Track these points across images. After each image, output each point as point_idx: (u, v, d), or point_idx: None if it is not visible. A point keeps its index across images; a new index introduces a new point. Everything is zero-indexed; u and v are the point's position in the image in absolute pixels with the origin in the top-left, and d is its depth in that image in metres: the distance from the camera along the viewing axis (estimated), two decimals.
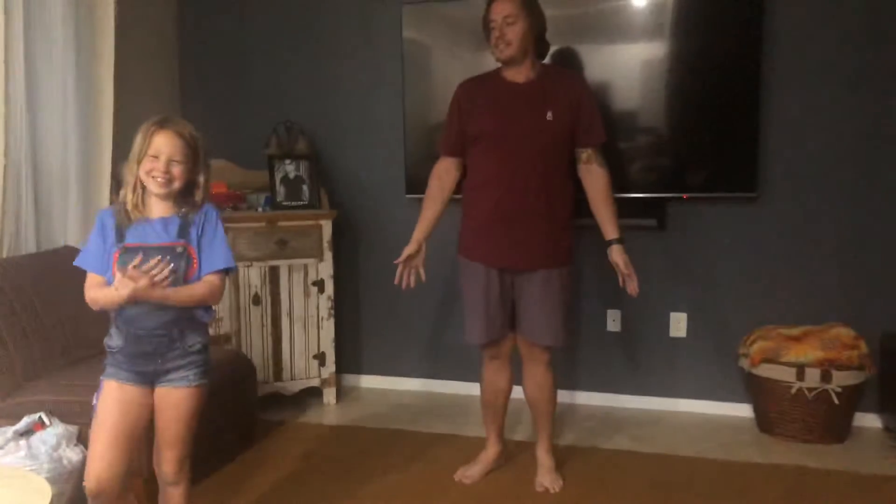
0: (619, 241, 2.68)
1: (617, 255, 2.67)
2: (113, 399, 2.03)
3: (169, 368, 2.05)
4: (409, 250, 2.73)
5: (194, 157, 2.06)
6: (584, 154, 2.72)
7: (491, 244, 2.71)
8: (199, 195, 2.09)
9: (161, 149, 2.01)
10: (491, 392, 2.90)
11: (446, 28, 3.67)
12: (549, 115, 2.63)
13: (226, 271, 2.08)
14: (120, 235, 2.03)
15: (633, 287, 2.66)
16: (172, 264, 1.98)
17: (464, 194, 2.81)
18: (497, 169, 2.67)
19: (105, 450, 1.99)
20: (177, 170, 2.03)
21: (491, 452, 2.94)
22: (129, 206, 2.04)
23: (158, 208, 2.07)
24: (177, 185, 2.04)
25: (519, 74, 2.69)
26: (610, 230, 2.70)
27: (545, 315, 2.73)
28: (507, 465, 2.97)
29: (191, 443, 2.12)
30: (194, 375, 2.07)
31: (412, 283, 2.75)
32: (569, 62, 3.43)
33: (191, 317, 2.07)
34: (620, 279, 2.69)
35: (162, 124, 2.04)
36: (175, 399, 2.06)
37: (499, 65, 2.73)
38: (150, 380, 2.06)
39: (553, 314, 2.73)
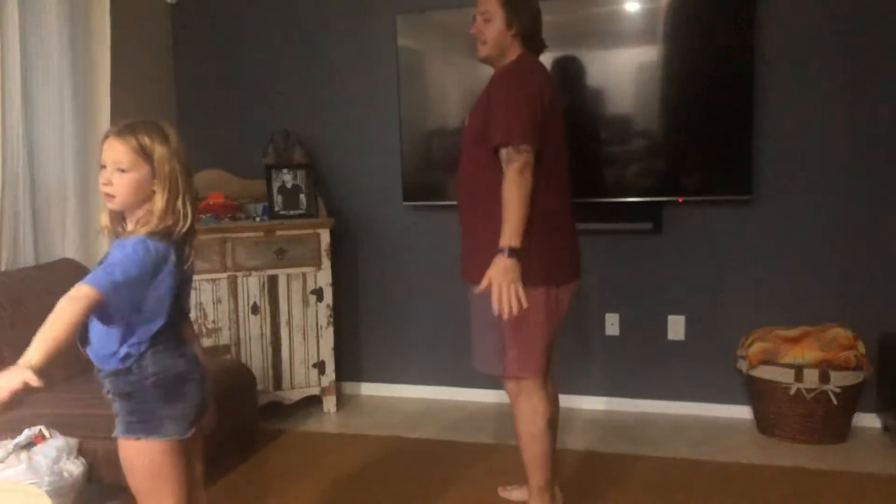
0: (503, 250, 2.20)
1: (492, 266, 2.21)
2: None
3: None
4: None
5: (148, 169, 1.72)
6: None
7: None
8: (135, 219, 1.73)
9: (105, 156, 1.73)
10: None
11: (440, 36, 3.68)
12: (466, 121, 2.48)
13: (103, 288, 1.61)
14: None
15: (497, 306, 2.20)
16: None
17: None
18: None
19: None
20: (120, 181, 1.71)
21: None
22: (103, 226, 1.82)
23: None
24: (119, 200, 1.73)
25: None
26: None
27: (473, 334, 2.49)
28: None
29: None
30: (119, 425, 1.78)
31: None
32: (563, 68, 3.44)
33: (98, 359, 1.78)
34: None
35: (114, 130, 1.76)
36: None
37: None
38: None
39: (478, 334, 2.46)
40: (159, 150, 1.73)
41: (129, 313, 1.72)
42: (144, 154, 1.72)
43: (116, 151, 1.71)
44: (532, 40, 2.44)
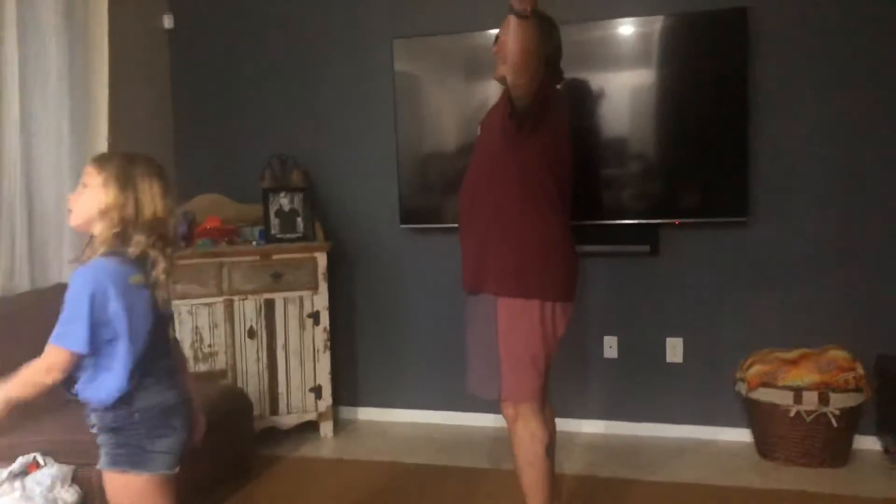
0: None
1: None
2: None
3: None
4: None
5: (107, 191, 1.74)
6: None
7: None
8: (91, 242, 1.78)
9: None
10: None
11: (437, 60, 3.71)
12: (478, 131, 2.51)
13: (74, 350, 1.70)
14: None
15: None
16: None
17: None
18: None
19: None
20: (80, 196, 1.78)
21: None
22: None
23: None
24: (74, 214, 1.78)
25: None
26: None
27: (470, 357, 2.46)
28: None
29: None
30: (103, 457, 1.80)
31: None
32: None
33: (84, 397, 1.79)
34: None
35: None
36: None
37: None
38: None
39: (475, 357, 2.44)
40: (121, 176, 1.75)
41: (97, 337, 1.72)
42: (106, 176, 1.75)
43: (86, 170, 1.79)
44: (552, 68, 2.45)
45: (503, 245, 2.36)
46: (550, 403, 2.61)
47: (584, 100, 3.48)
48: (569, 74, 3.44)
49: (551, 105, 2.37)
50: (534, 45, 2.09)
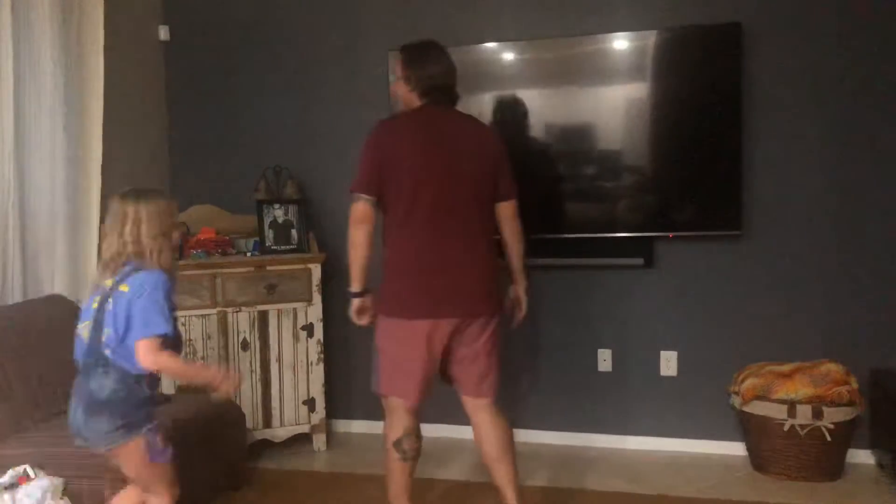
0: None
1: None
2: None
3: None
4: None
5: None
6: None
7: None
8: None
9: None
10: None
11: None
12: None
13: None
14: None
15: None
16: None
17: None
18: None
19: None
20: None
21: None
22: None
23: None
24: None
25: None
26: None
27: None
28: None
29: None
30: None
31: None
32: (553, 105, 3.48)
33: None
34: None
35: None
36: None
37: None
38: None
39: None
40: None
41: None
42: None
43: None
44: (432, 94, 2.66)
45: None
46: (495, 412, 2.71)
47: (578, 113, 3.50)
48: (564, 88, 3.50)
49: (381, 153, 2.57)
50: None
